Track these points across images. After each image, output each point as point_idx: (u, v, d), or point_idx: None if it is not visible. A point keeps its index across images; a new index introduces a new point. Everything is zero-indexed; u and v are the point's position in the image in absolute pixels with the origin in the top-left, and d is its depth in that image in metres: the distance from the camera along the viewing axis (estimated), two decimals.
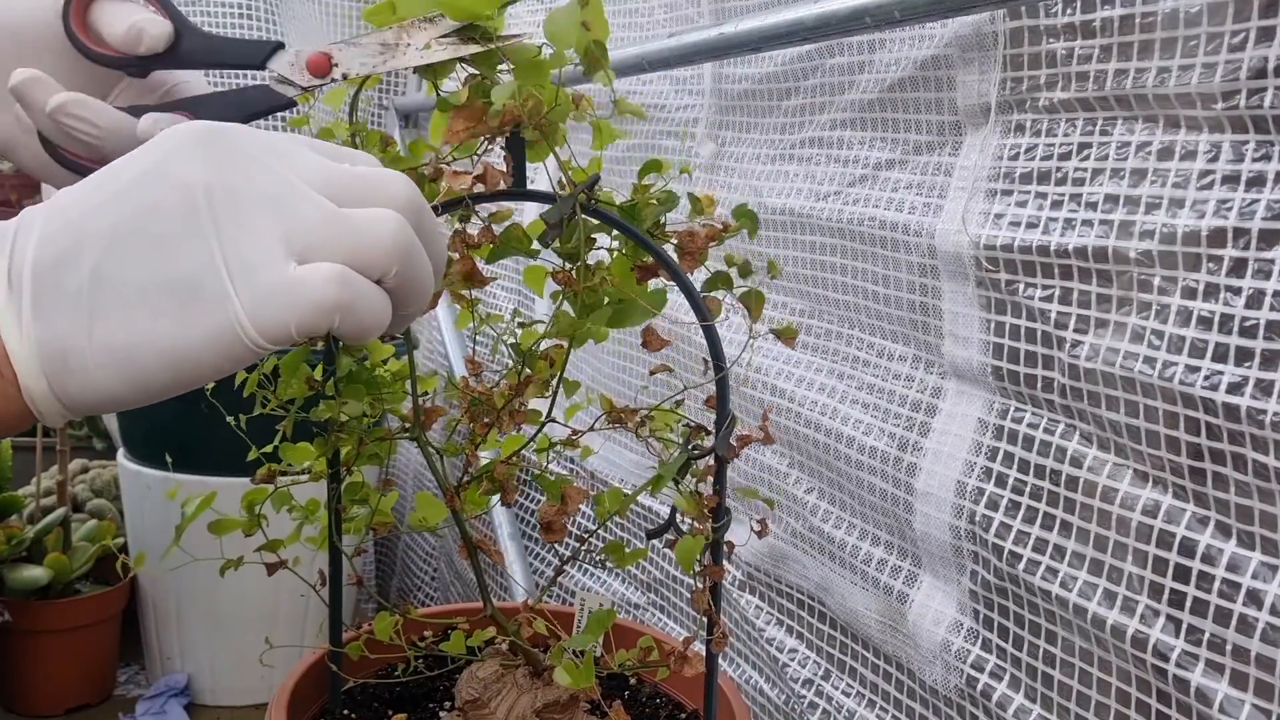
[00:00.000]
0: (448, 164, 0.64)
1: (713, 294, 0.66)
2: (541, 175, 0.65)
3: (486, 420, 0.73)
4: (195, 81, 0.66)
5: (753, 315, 0.66)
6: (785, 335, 0.67)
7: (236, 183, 0.42)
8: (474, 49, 0.59)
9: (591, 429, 0.74)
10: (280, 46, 0.62)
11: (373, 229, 0.44)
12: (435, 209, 0.62)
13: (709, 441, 0.65)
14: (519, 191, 0.62)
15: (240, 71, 0.64)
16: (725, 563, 0.66)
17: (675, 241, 0.65)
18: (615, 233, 0.65)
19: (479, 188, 0.62)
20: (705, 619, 0.66)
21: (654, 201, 0.64)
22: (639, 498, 0.76)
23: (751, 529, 0.72)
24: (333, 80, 0.61)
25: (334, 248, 0.43)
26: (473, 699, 0.75)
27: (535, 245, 0.66)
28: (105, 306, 0.41)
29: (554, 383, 0.72)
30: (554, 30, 0.59)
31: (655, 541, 0.67)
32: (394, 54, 0.60)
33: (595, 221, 0.63)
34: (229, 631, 1.72)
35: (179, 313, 0.41)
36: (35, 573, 1.67)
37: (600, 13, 0.58)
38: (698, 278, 0.65)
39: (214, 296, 0.41)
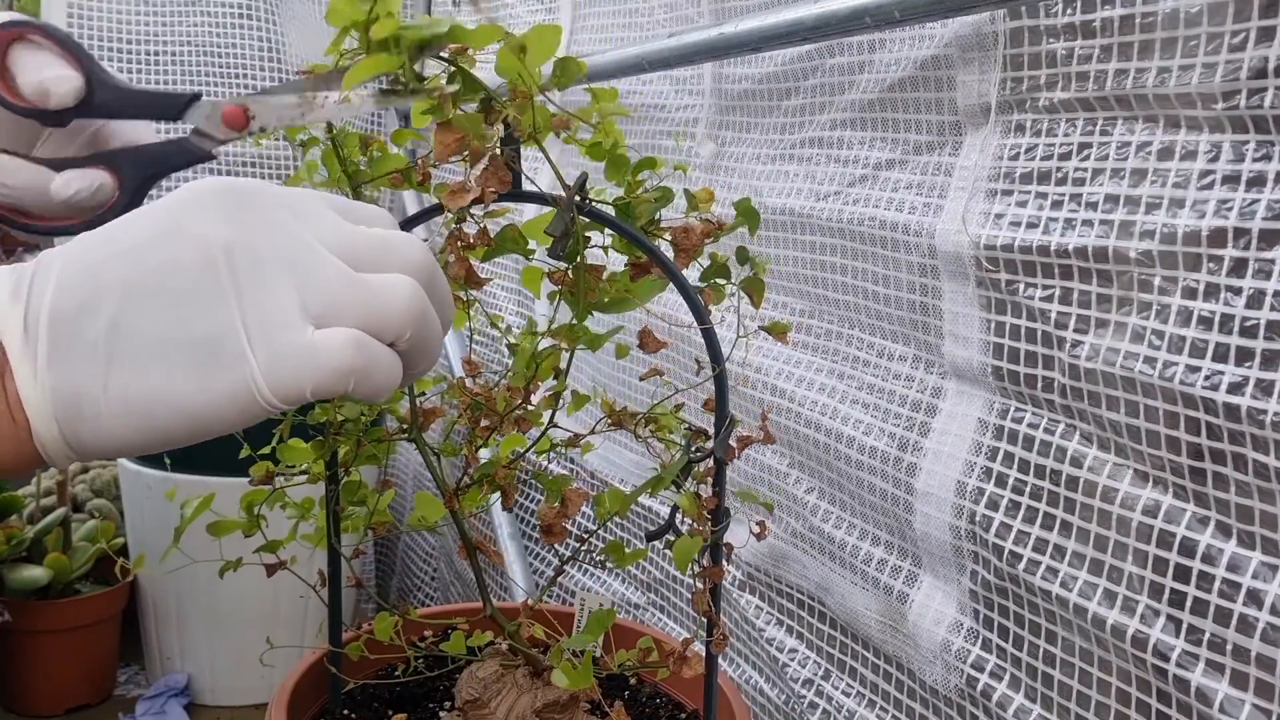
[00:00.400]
0: (434, 167, 0.63)
1: (710, 283, 0.65)
2: (542, 171, 0.65)
3: (486, 424, 0.73)
4: (124, 123, 0.66)
5: (754, 302, 0.66)
6: (776, 331, 0.67)
7: (256, 242, 0.42)
8: (394, 101, 0.57)
9: (593, 432, 0.74)
10: (197, 98, 0.62)
11: (388, 295, 0.44)
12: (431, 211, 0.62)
13: (710, 445, 0.65)
14: (515, 193, 0.62)
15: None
16: (725, 563, 0.66)
17: (669, 238, 0.65)
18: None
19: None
20: (705, 619, 0.66)
21: (649, 199, 0.63)
22: (639, 498, 0.76)
23: (750, 531, 0.72)
24: (249, 133, 0.61)
25: (351, 312, 0.43)
26: (473, 699, 0.75)
27: (531, 245, 0.66)
28: (122, 358, 0.41)
29: (560, 391, 0.72)
30: (503, 70, 0.56)
31: (655, 542, 0.67)
32: (311, 107, 0.59)
33: (589, 220, 0.62)
34: (229, 631, 1.72)
35: (195, 370, 0.41)
36: (35, 573, 1.67)
37: (550, 41, 0.55)
38: (693, 276, 0.65)
39: (232, 356, 0.41)
